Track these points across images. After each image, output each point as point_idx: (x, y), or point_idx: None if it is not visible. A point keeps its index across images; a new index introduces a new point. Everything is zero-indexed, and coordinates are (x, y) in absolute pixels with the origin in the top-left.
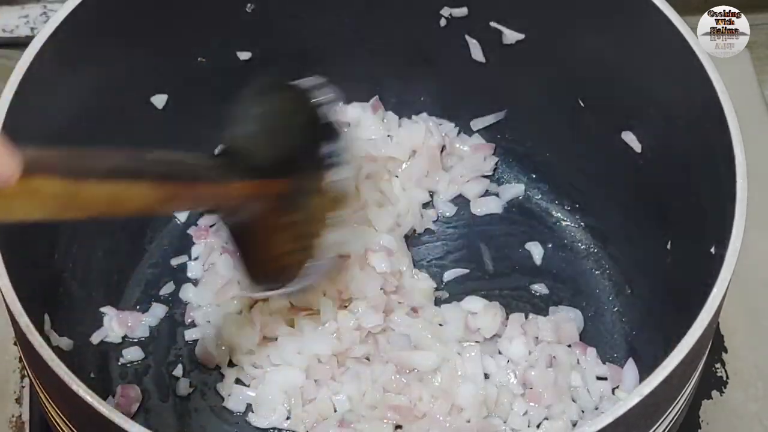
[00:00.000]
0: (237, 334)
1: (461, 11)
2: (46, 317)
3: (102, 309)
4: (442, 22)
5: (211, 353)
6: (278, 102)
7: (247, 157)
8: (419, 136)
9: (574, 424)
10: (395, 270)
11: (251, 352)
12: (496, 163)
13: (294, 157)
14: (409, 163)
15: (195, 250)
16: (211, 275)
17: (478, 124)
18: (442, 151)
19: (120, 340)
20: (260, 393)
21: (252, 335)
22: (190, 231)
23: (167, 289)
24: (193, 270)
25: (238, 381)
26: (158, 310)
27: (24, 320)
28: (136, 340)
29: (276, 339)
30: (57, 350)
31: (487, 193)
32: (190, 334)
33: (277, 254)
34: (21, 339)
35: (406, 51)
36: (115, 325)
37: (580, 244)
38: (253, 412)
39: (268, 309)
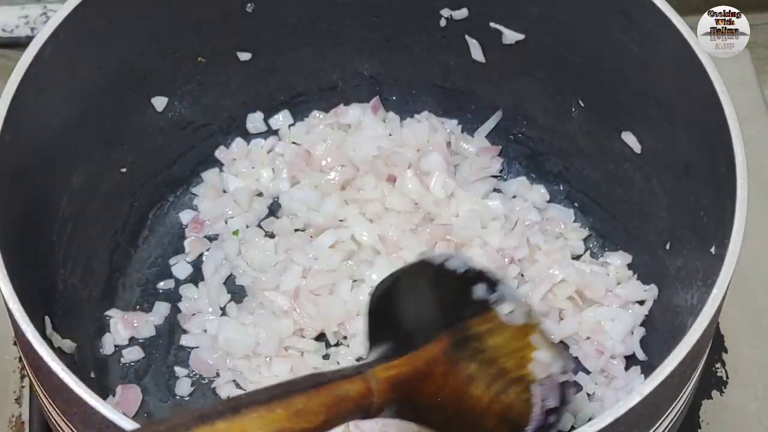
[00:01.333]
0: (234, 338)
1: (461, 13)
2: (47, 319)
3: (107, 313)
4: (442, 23)
5: (206, 362)
6: (410, 276)
7: (385, 341)
8: (424, 134)
9: None
10: None
11: (247, 357)
12: (501, 164)
13: (439, 315)
14: (427, 159)
15: (187, 244)
16: (207, 275)
17: (481, 132)
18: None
19: (127, 342)
20: None
21: (248, 341)
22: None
23: (167, 287)
24: (185, 268)
25: (237, 385)
26: (162, 309)
27: (23, 320)
28: (142, 340)
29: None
30: (57, 351)
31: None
32: (186, 340)
33: (484, 407)
34: (21, 339)
35: (407, 52)
36: (121, 327)
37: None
38: None
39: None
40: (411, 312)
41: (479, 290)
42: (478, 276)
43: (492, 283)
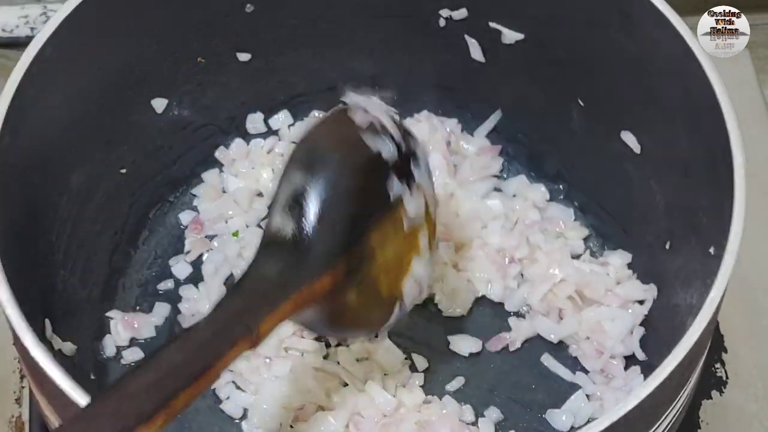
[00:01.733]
0: None
1: (460, 13)
2: (47, 322)
3: (108, 314)
4: (442, 23)
5: None
6: (334, 147)
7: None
8: (424, 134)
9: None
10: None
11: (246, 358)
12: (502, 164)
13: (347, 226)
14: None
15: (187, 244)
16: (206, 276)
17: (481, 131)
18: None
19: (128, 343)
20: (256, 401)
21: None
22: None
23: (167, 287)
24: (185, 268)
25: (237, 386)
26: (162, 309)
27: (20, 325)
28: (143, 342)
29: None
30: (58, 354)
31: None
32: None
33: (349, 320)
34: (18, 343)
35: (406, 52)
36: (121, 328)
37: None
38: (247, 419)
39: None
40: (320, 209)
41: (396, 187)
42: (400, 162)
43: (409, 164)
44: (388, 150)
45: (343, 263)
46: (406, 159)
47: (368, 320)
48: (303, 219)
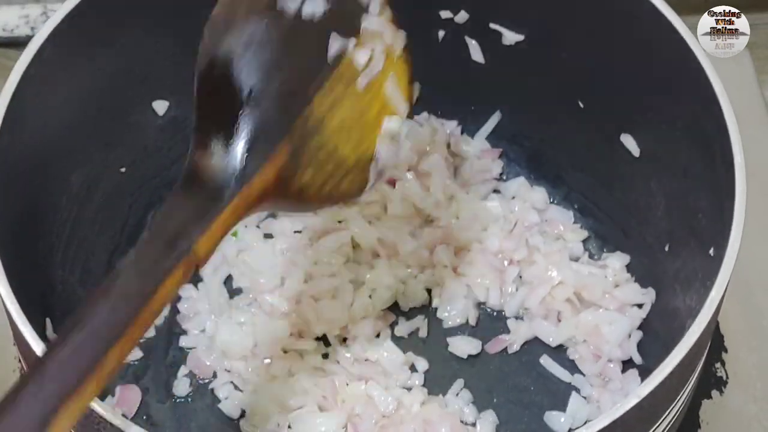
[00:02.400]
0: (230, 340)
1: (461, 14)
2: (48, 322)
3: None
4: (442, 24)
5: (204, 363)
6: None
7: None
8: (425, 138)
9: None
10: None
11: (245, 359)
12: (502, 167)
13: (281, 110)
14: (427, 165)
15: None
16: (205, 275)
17: (481, 134)
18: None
19: None
20: (254, 401)
21: (245, 341)
22: None
23: None
24: None
25: (235, 387)
26: None
27: (21, 320)
28: (142, 341)
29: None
30: None
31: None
32: (184, 341)
33: (314, 201)
34: (19, 340)
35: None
36: None
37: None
38: (245, 418)
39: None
40: (241, 99)
41: (337, 43)
42: (336, 13)
43: (350, 13)
44: (311, 7)
45: (284, 147)
46: (344, 7)
47: (341, 189)
48: (225, 115)
